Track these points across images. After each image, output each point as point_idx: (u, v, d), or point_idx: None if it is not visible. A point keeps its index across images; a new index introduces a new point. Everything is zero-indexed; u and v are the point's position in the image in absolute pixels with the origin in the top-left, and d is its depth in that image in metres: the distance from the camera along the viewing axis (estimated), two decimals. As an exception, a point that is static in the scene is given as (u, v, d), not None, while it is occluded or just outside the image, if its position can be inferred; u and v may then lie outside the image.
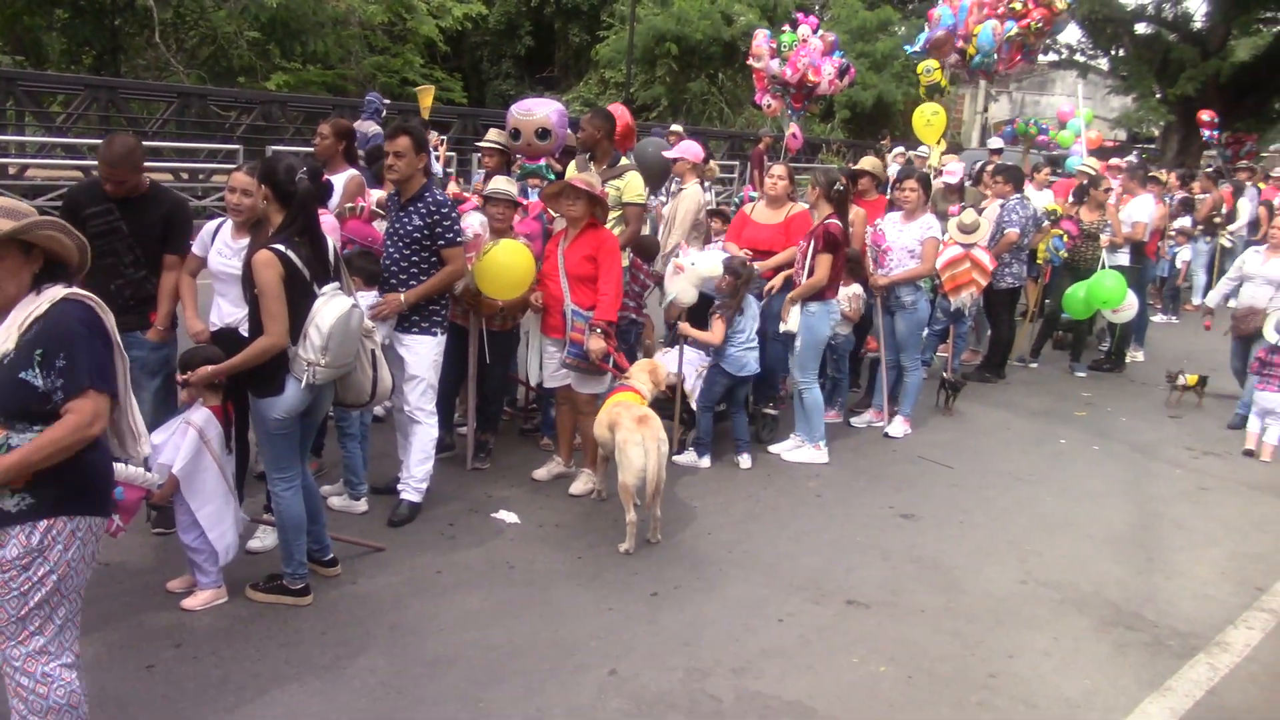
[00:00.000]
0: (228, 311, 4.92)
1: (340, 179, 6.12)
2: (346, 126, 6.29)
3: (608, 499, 5.88)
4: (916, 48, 13.79)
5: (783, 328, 6.83)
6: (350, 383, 4.41)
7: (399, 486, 5.53)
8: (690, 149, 8.02)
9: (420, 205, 5.28)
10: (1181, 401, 9.09)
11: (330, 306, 4.17)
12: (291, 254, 4.12)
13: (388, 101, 11.86)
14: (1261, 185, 16.73)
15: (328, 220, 5.25)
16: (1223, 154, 24.13)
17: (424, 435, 5.47)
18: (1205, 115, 22.67)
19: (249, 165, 4.80)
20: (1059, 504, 6.53)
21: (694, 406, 6.72)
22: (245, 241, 4.75)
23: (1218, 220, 14.30)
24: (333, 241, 4.49)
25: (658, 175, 8.17)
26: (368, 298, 5.19)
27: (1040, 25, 12.67)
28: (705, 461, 6.67)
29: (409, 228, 5.29)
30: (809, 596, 4.96)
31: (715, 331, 6.48)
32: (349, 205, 5.91)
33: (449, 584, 4.82)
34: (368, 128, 9.32)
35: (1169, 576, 5.52)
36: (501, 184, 6.11)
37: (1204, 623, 4.98)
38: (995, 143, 16.73)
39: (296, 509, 4.40)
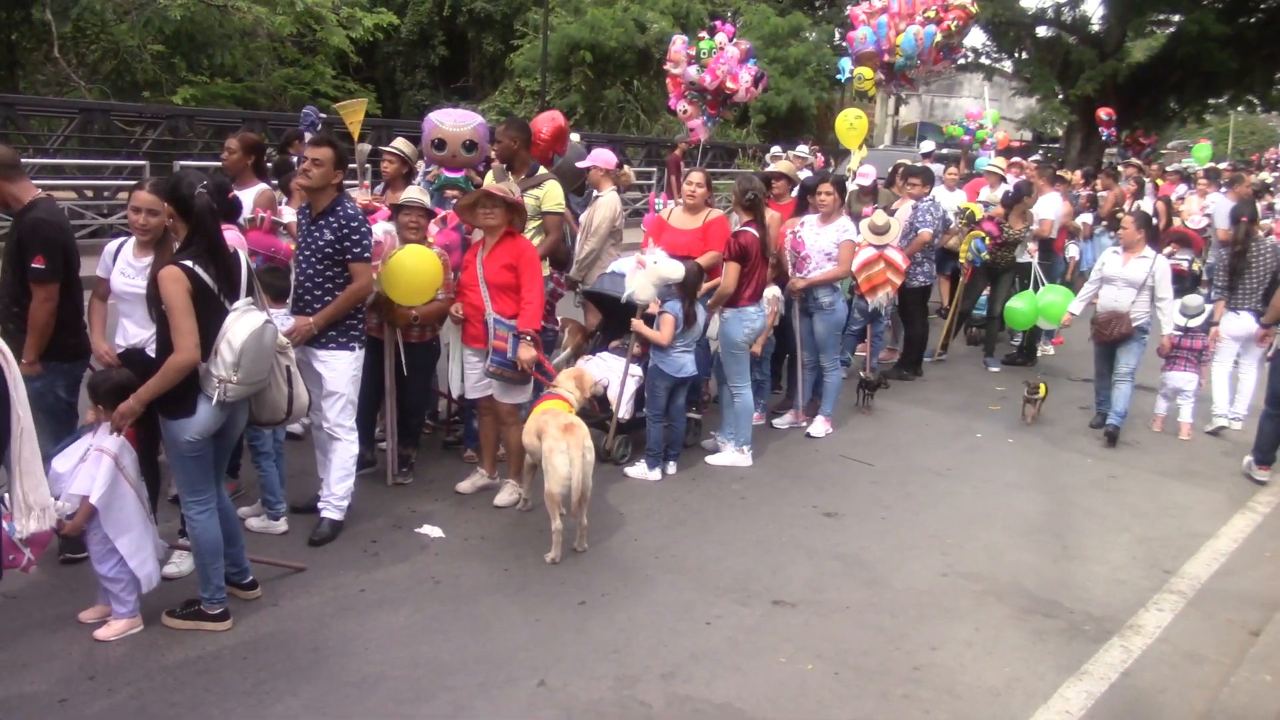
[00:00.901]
0: (134, 333, 4.78)
1: (250, 193, 6.01)
2: (255, 140, 6.17)
3: (533, 509, 5.85)
4: (845, 75, 14.02)
5: (710, 334, 6.92)
6: (265, 400, 4.33)
7: (319, 505, 5.44)
8: (603, 156, 8.04)
9: (332, 219, 5.20)
10: (1039, 415, 8.53)
11: (242, 322, 4.09)
12: (199, 269, 4.03)
13: (324, 116, 11.65)
14: (1160, 181, 17.30)
15: (234, 234, 5.16)
16: (1123, 154, 24.95)
17: (344, 452, 5.39)
18: (1103, 113, 23.45)
19: (152, 183, 4.67)
20: (976, 497, 6.67)
21: (621, 415, 6.72)
22: (149, 260, 4.62)
23: (1120, 215, 14.73)
24: (244, 256, 4.41)
25: (573, 181, 8.16)
26: (277, 315, 5.09)
27: (958, 24, 12.98)
28: (656, 474, 6.65)
29: (320, 242, 5.21)
30: (736, 598, 5.00)
31: (665, 330, 6.47)
32: (247, 217, 5.79)
33: (373, 602, 4.76)
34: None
35: (1083, 563, 5.68)
36: (414, 192, 6.07)
37: (1117, 606, 5.13)
38: (927, 145, 17.02)
39: (212, 532, 4.30)
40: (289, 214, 6.23)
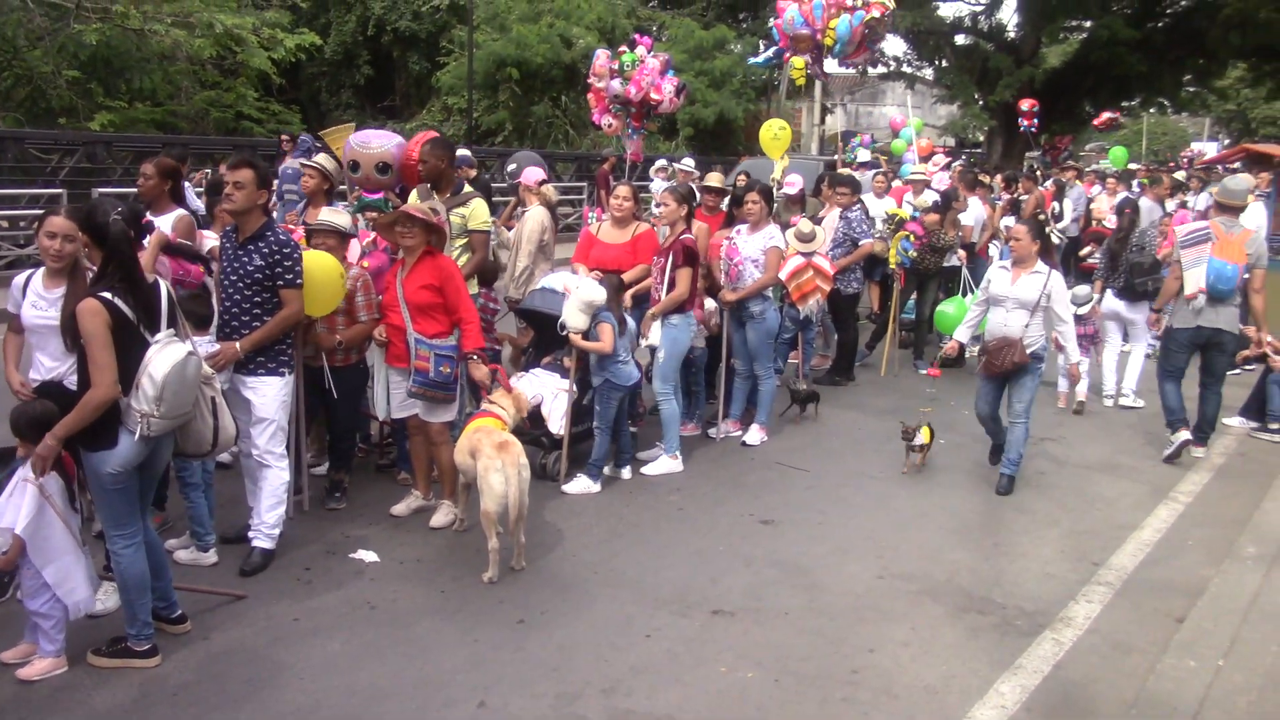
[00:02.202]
0: (49, 366, 4.66)
1: (167, 220, 5.90)
2: (171, 165, 6.06)
3: (469, 529, 5.81)
4: (760, 59, 14.23)
5: (644, 343, 6.94)
6: (190, 432, 4.25)
7: (250, 534, 5.35)
8: (529, 173, 8.06)
9: (261, 244, 5.13)
10: (924, 463, 7.38)
11: (164, 354, 4.01)
12: (118, 301, 3.95)
13: (318, 145, 11.55)
14: (1078, 183, 17.72)
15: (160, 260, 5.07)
16: (1043, 160, 25.62)
17: (275, 479, 5.31)
18: (1024, 105, 24.22)
19: (67, 209, 4.56)
20: (910, 498, 6.77)
21: (554, 431, 6.71)
22: (60, 290, 4.52)
23: (1041, 218, 15.08)
24: (166, 285, 4.32)
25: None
26: (201, 343, 5.00)
27: (877, 16, 13.34)
28: (598, 486, 6.67)
29: (249, 268, 5.13)
30: (675, 610, 5.01)
31: (605, 339, 6.49)
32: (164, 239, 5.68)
33: (307, 630, 4.68)
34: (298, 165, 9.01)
35: (1014, 559, 5.79)
36: (328, 214, 6.02)
37: (1048, 600, 5.24)
38: (864, 155, 17.28)
39: (138, 567, 4.21)
40: (210, 239, 6.14)
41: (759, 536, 6.02)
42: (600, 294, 6.46)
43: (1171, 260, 7.91)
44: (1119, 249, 9.10)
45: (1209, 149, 45.54)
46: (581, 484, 6.65)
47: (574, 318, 6.42)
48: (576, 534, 5.95)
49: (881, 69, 33.04)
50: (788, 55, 13.42)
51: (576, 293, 6.41)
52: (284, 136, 15.10)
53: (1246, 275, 7.59)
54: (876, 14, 13.12)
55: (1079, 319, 8.73)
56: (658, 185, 12.66)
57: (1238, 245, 7.49)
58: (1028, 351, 6.73)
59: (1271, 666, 4.25)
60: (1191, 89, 34.96)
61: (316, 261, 5.54)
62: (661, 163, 14.33)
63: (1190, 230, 7.75)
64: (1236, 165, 17.79)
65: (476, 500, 5.37)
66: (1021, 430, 6.88)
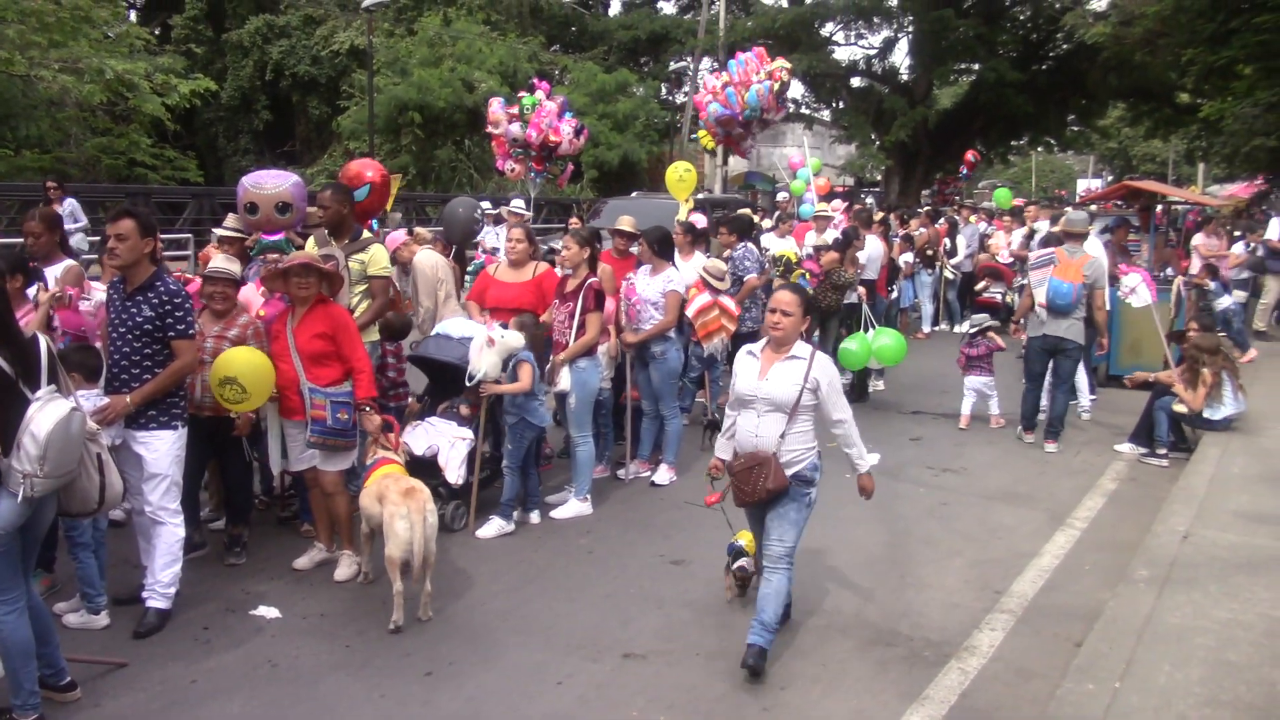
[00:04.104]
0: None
1: (56, 270, 5.73)
2: (54, 215, 5.88)
3: (375, 580, 5.70)
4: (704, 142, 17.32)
5: (553, 389, 6.92)
6: (74, 491, 4.08)
7: (144, 594, 5.14)
8: (393, 237, 8.15)
9: (151, 294, 4.99)
10: (750, 586, 5.57)
11: (46, 412, 3.86)
12: (-5, 357, 3.80)
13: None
14: (972, 220, 18.31)
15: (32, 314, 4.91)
16: (932, 198, 26.51)
17: (169, 536, 5.13)
18: (969, 155, 26.20)
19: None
20: (818, 532, 6.78)
21: (451, 480, 6.58)
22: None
23: (930, 254, 15.55)
24: (45, 340, 4.17)
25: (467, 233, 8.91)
26: (90, 395, 4.84)
27: (784, 80, 15.82)
28: (511, 525, 6.63)
29: (138, 319, 4.97)
30: (587, 654, 4.96)
31: (525, 378, 6.47)
32: (56, 294, 5.51)
33: (205, 693, 4.52)
34: None
35: (920, 590, 5.88)
36: (221, 261, 5.90)
37: (953, 630, 5.32)
38: (808, 209, 17.56)
39: (22, 634, 4.01)
40: (99, 290, 5.95)
41: (670, 577, 6.01)
42: (521, 340, 6.47)
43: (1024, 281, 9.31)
44: None
45: (1095, 184, 47.62)
46: (495, 526, 6.57)
47: (494, 367, 6.36)
48: (486, 580, 5.87)
49: (785, 109, 33.97)
50: (718, 139, 16.12)
51: (502, 342, 6.36)
52: (50, 184, 13.87)
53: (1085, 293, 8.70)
54: (782, 76, 14.94)
55: (969, 341, 9.56)
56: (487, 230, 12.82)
57: (1076, 267, 8.63)
58: (788, 472, 4.87)
59: (1165, 686, 4.37)
60: (1076, 128, 36.67)
61: (246, 359, 5.48)
62: (486, 206, 14.24)
63: (1038, 255, 9.27)
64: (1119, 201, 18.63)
65: (381, 549, 5.27)
66: (781, 581, 4.85)
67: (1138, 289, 10.06)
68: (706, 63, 34.49)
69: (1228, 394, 8.48)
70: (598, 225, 11.54)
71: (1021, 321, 9.24)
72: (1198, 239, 14.46)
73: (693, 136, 17.55)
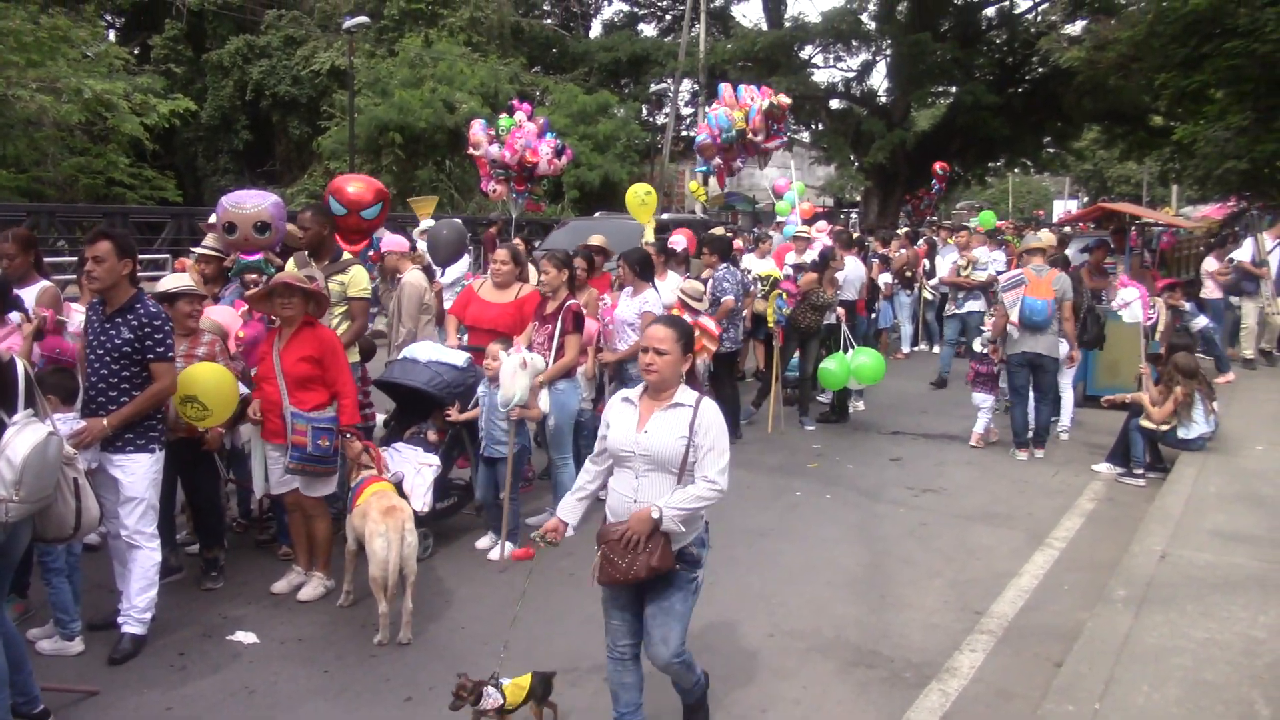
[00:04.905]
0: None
1: (32, 291, 5.69)
2: (28, 236, 5.84)
3: (357, 602, 5.66)
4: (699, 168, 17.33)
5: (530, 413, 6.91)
6: (50, 516, 4.05)
7: (120, 619, 5.09)
8: (395, 240, 8.07)
9: (130, 316, 4.96)
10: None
11: (23, 436, 3.83)
12: (-29, 381, 3.77)
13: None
14: (950, 241, 18.40)
15: (14, 339, 4.87)
16: (908, 213, 26.71)
17: (145, 561, 5.08)
18: (938, 167, 26.16)
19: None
20: (798, 554, 6.84)
21: (416, 508, 6.52)
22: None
23: (909, 275, 15.62)
24: (22, 363, 4.15)
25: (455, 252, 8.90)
26: (67, 419, 4.80)
27: (776, 101, 15.87)
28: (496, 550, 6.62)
29: (117, 341, 4.94)
30: (567, 678, 4.92)
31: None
32: (37, 327, 5.46)
33: None
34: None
35: (900, 611, 5.88)
36: (189, 279, 5.89)
37: (933, 651, 5.33)
38: (790, 230, 17.62)
39: (-6, 661, 3.97)
40: (77, 312, 5.92)
41: (650, 599, 5.99)
42: (541, 361, 6.50)
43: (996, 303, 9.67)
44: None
45: (1071, 205, 48.09)
46: (487, 543, 6.68)
47: (523, 390, 6.22)
48: (467, 603, 5.85)
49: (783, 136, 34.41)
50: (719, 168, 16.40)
51: (531, 365, 6.28)
52: None
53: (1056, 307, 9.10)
54: (770, 104, 14.99)
55: (978, 358, 9.70)
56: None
57: (1046, 284, 9.07)
58: (673, 548, 3.94)
59: (1144, 706, 4.39)
60: (1051, 150, 37.11)
61: (206, 376, 5.46)
62: (426, 224, 14.16)
63: (1008, 277, 9.67)
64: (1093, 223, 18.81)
65: (365, 568, 5.26)
66: (679, 669, 4.17)
67: (1132, 304, 10.03)
68: (687, 84, 34.72)
69: (1199, 414, 8.54)
70: (549, 247, 11.49)
71: (998, 341, 9.46)
72: (1209, 263, 14.27)
73: (659, 146, 17.43)
